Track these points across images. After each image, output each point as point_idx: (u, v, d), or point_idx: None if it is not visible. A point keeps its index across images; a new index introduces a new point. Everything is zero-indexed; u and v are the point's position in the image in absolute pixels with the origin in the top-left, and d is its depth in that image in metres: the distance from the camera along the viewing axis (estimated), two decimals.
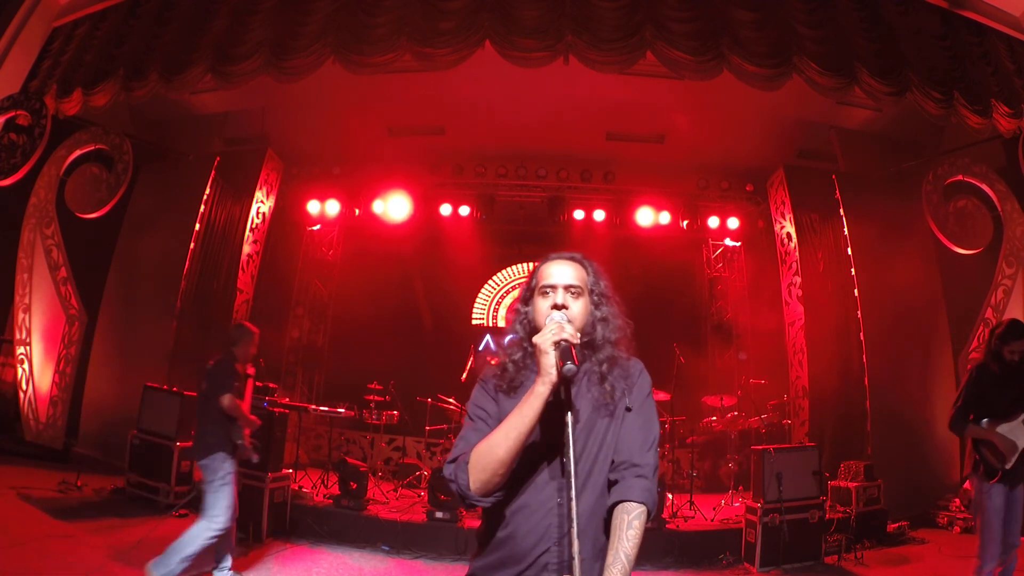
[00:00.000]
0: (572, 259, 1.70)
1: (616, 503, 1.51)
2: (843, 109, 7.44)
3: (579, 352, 1.49)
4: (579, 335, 1.54)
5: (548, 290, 1.63)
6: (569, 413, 1.44)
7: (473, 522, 5.17)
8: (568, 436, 1.42)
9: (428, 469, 6.71)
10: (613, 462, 1.57)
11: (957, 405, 3.73)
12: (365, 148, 8.75)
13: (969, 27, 6.47)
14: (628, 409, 1.59)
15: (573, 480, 1.39)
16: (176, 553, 3.70)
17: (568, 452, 1.41)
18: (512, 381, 1.64)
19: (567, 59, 5.80)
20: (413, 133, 8.54)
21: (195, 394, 6.16)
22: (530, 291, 1.70)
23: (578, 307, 1.62)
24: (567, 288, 1.62)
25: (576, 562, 1.33)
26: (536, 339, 1.47)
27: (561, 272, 1.65)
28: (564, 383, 1.45)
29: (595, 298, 1.68)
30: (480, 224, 8.98)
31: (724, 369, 9.07)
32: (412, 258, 8.93)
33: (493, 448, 1.45)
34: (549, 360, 1.43)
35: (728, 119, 7.82)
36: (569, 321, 1.54)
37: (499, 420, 1.54)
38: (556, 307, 1.59)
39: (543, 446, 1.54)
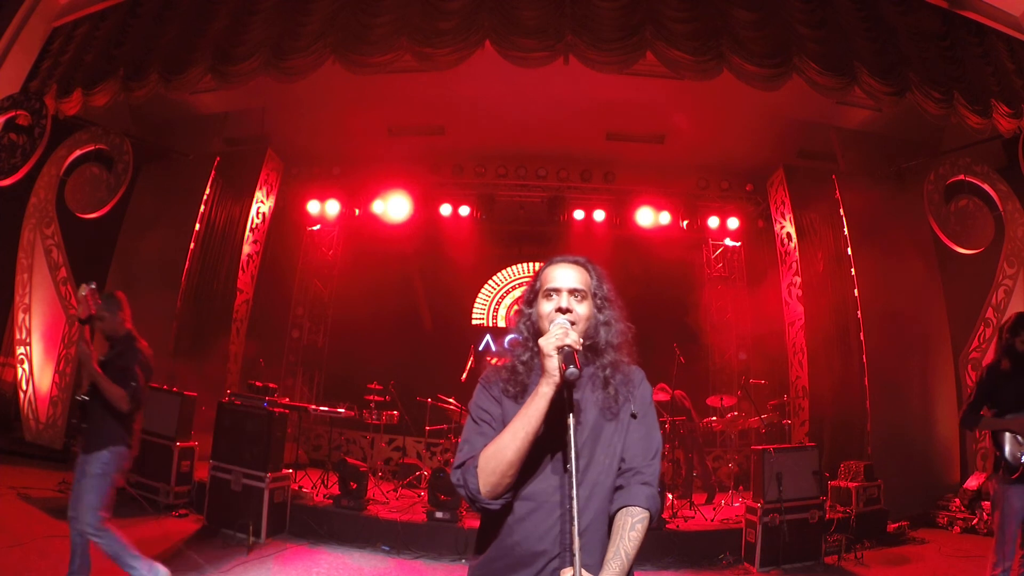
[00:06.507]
0: (576, 262, 1.70)
1: (620, 507, 1.53)
2: (843, 109, 7.44)
3: (582, 356, 1.49)
4: (582, 339, 1.55)
5: (552, 293, 1.63)
6: (571, 414, 1.46)
7: (473, 522, 5.17)
8: (569, 436, 1.43)
9: (428, 469, 6.70)
10: (619, 469, 1.58)
11: (968, 401, 3.71)
12: (365, 148, 8.75)
13: (969, 27, 6.46)
14: (633, 416, 1.61)
15: (575, 478, 1.40)
16: None
17: (569, 450, 1.42)
18: (520, 383, 1.63)
19: (567, 59, 5.80)
20: (413, 133, 8.54)
21: (195, 394, 6.24)
22: (534, 293, 1.70)
23: (582, 311, 1.63)
24: (571, 292, 1.63)
25: (576, 558, 1.33)
26: (540, 342, 1.48)
27: (565, 275, 1.65)
28: (567, 386, 1.46)
29: (598, 302, 1.69)
30: (480, 224, 8.99)
31: (724, 369, 9.08)
32: (412, 258, 8.93)
33: (502, 449, 1.45)
34: (553, 363, 1.44)
35: (728, 119, 7.81)
36: (572, 324, 1.56)
37: (503, 423, 1.53)
38: (560, 311, 1.59)
39: (550, 452, 1.54)
